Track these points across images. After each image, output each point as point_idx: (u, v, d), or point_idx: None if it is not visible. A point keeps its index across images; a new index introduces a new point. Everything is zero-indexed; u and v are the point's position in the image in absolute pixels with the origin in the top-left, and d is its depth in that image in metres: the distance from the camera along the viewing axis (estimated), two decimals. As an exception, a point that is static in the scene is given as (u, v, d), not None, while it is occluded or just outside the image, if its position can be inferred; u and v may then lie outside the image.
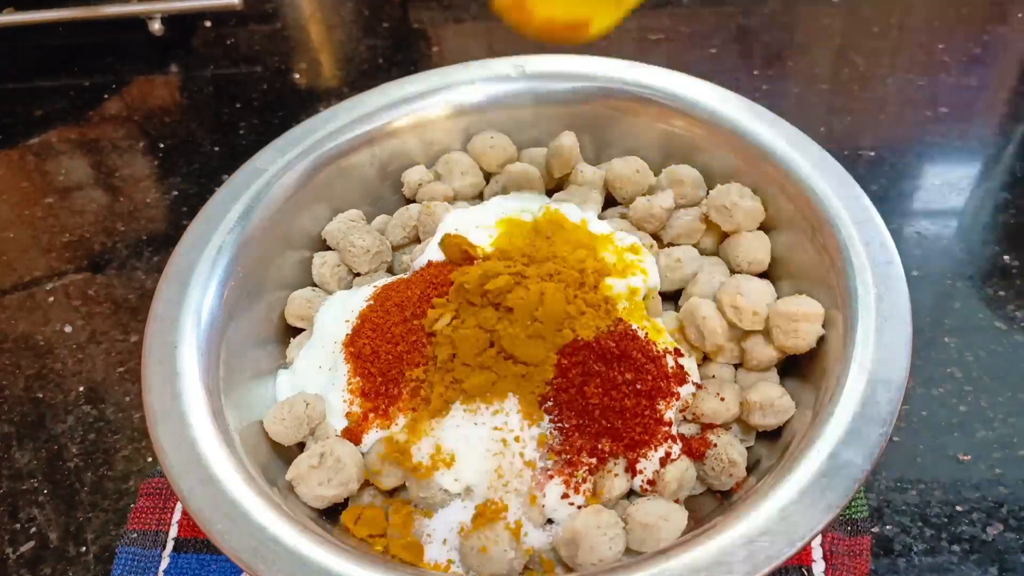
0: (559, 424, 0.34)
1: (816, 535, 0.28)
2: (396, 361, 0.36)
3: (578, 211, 0.41)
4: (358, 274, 0.44)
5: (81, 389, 0.49)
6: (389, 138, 0.46)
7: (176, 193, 0.61)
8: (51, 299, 0.54)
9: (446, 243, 0.40)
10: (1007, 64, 0.67)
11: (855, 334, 0.33)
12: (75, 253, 0.57)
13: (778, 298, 0.37)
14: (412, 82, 0.47)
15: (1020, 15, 0.71)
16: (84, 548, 0.42)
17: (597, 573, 0.30)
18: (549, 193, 0.46)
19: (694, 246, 0.42)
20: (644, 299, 0.39)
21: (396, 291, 0.39)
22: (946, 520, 0.39)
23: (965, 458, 0.41)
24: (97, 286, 0.55)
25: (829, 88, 0.65)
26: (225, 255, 0.39)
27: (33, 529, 0.43)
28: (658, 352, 0.36)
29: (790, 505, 0.29)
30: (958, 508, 0.40)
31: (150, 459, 0.45)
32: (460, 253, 0.39)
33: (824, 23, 0.71)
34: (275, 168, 0.42)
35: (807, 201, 0.38)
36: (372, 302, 0.39)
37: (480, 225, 0.41)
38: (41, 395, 0.49)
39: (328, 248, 0.45)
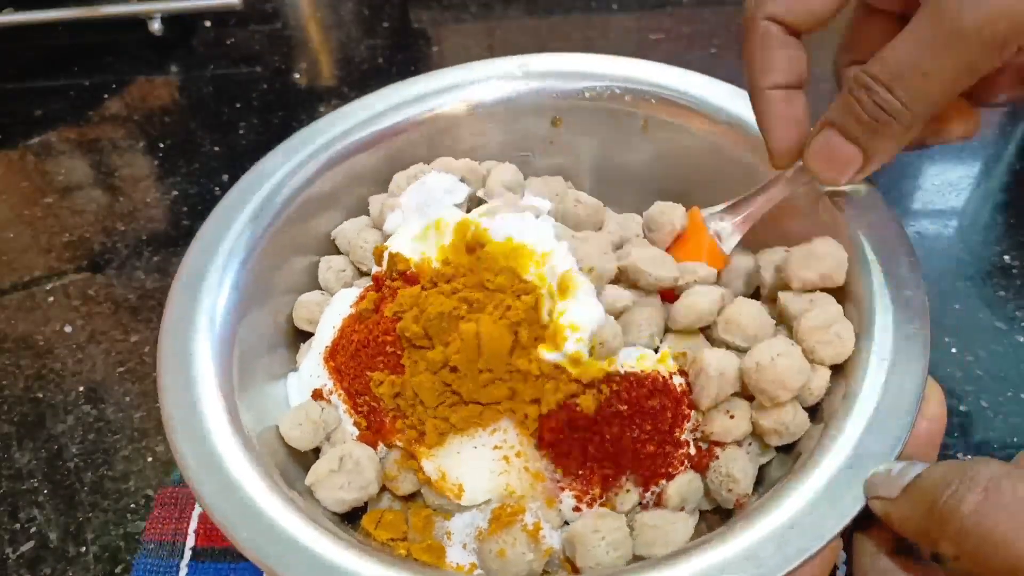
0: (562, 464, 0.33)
1: (845, 527, 0.28)
2: (372, 385, 0.35)
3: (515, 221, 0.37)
4: (367, 274, 0.43)
5: (81, 389, 0.49)
6: (397, 138, 0.45)
7: (176, 193, 0.61)
8: (51, 299, 0.54)
9: (385, 260, 0.38)
10: (1007, 64, 0.67)
11: (873, 328, 0.33)
12: (75, 253, 0.57)
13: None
14: (420, 82, 0.46)
15: (1020, 15, 0.71)
16: (84, 548, 0.42)
17: (620, 574, 0.30)
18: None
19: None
20: (591, 351, 0.33)
21: (363, 306, 0.37)
22: (946, 520, 0.39)
23: (965, 458, 0.41)
24: (97, 286, 0.55)
25: (829, 88, 0.65)
26: (236, 259, 0.38)
27: (33, 529, 0.43)
28: (665, 380, 0.34)
29: (817, 497, 0.28)
30: (958, 508, 0.40)
31: (150, 459, 0.45)
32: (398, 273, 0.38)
33: (824, 23, 0.71)
34: (284, 171, 0.42)
35: (821, 201, 0.38)
36: (352, 310, 0.38)
37: (414, 237, 0.39)
38: (41, 395, 0.49)
39: (336, 252, 0.44)
